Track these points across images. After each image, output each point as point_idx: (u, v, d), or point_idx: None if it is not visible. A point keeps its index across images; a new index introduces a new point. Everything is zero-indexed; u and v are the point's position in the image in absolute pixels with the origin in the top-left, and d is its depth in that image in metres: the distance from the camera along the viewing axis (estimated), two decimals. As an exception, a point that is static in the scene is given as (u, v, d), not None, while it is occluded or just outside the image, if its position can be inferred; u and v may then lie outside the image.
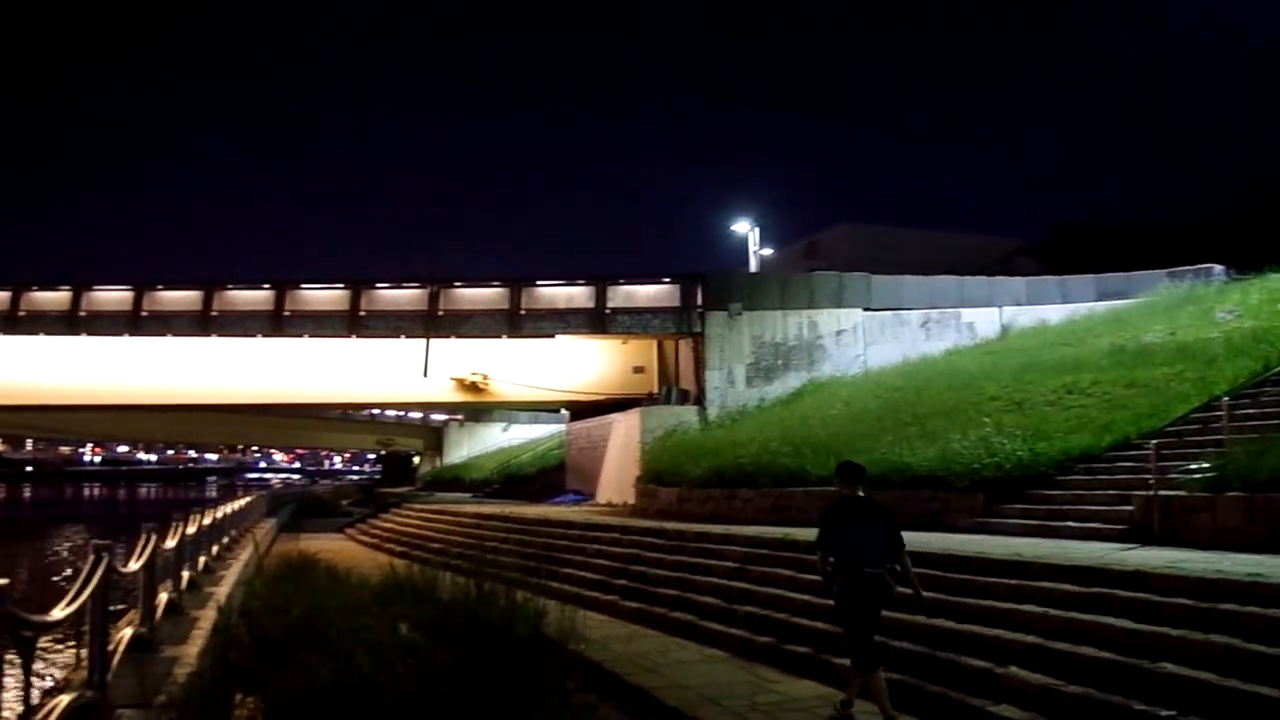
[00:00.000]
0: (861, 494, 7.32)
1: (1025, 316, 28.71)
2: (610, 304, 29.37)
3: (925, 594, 7.31)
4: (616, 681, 8.88)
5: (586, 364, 31.47)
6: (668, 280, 29.61)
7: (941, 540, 11.13)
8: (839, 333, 28.11)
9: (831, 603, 7.48)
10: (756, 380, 27.65)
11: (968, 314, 28.86)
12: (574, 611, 9.94)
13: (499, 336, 30.11)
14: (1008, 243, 43.78)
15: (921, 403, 18.66)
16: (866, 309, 28.35)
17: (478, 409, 54.01)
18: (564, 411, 37.56)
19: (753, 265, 36.94)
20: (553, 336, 29.94)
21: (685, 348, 29.88)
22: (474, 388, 30.91)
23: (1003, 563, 9.26)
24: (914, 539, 11.34)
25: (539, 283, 30.33)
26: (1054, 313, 28.29)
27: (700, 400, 27.74)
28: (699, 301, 28.61)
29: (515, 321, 29.79)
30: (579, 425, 33.50)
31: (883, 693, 6.90)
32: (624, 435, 28.54)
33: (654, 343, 31.23)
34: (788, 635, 9.69)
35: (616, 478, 27.92)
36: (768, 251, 39.25)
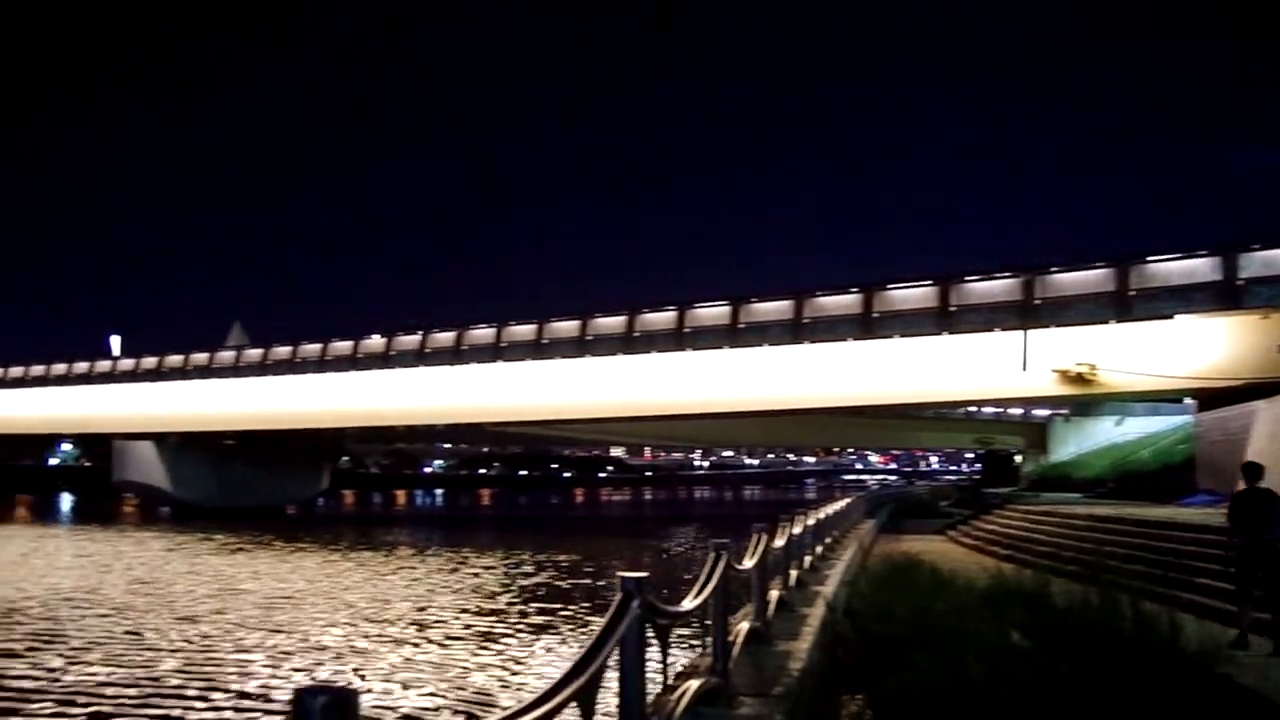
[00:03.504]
0: (1260, 486, 9.84)
1: None
2: (1243, 273, 25.87)
3: None
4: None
5: (1213, 345, 27.79)
6: (1318, 239, 25.26)
7: None
8: None
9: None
10: None
11: None
12: (1215, 629, 8.73)
13: (1104, 322, 28.09)
14: None
15: None
16: None
17: (1084, 401, 50.65)
18: (1189, 401, 33.70)
19: None
20: (1169, 317, 27.11)
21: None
22: (1078, 379, 28.92)
23: None
24: None
25: (1150, 259, 27.74)
26: None
27: (1377, 380, 23.09)
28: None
29: (1123, 304, 27.57)
30: (1209, 416, 29.64)
31: (1246, 620, 9.62)
32: (1271, 426, 24.63)
33: (1305, 315, 26.71)
34: None
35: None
36: None
